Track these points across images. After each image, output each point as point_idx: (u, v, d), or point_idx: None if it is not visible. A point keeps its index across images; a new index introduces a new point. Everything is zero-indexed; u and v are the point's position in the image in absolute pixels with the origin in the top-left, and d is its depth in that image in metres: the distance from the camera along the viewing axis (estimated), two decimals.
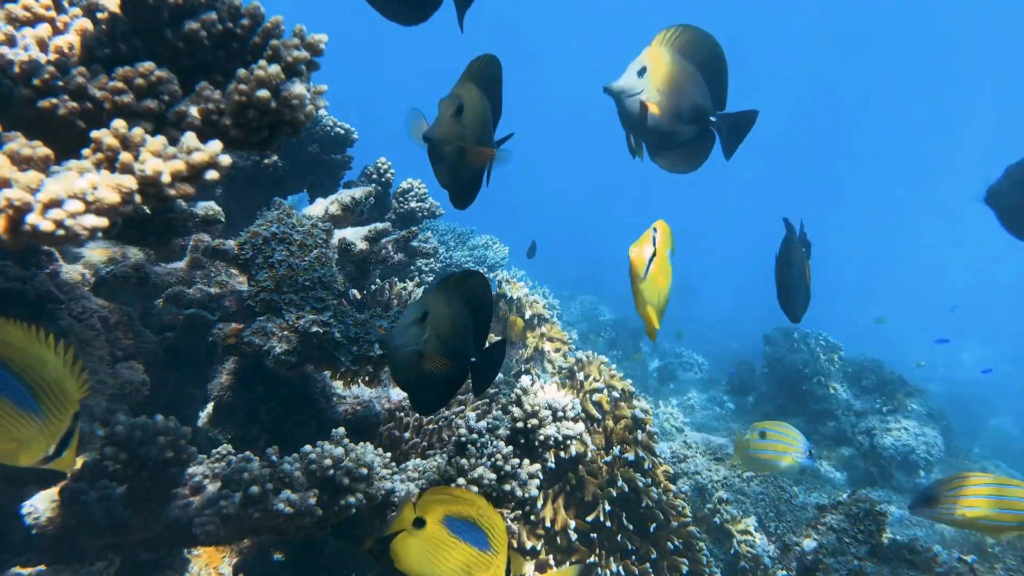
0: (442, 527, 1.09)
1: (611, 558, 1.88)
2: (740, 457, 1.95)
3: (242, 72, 0.91)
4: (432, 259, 2.85)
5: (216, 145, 0.83)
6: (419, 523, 1.10)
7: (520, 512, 1.80)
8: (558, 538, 1.87)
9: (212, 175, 0.82)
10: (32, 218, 0.67)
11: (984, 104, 21.09)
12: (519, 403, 1.80)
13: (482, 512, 1.10)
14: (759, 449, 1.89)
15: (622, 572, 1.85)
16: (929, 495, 1.31)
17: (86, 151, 0.79)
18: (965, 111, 21.90)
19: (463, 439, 1.66)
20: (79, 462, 1.25)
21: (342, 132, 2.61)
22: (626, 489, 1.94)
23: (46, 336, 0.77)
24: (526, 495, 1.57)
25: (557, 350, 2.96)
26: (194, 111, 0.91)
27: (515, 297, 2.97)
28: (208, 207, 1.90)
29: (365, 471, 1.32)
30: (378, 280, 2.43)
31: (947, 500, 1.29)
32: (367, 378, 1.65)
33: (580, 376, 2.26)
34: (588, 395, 2.19)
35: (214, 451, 1.43)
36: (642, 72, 1.23)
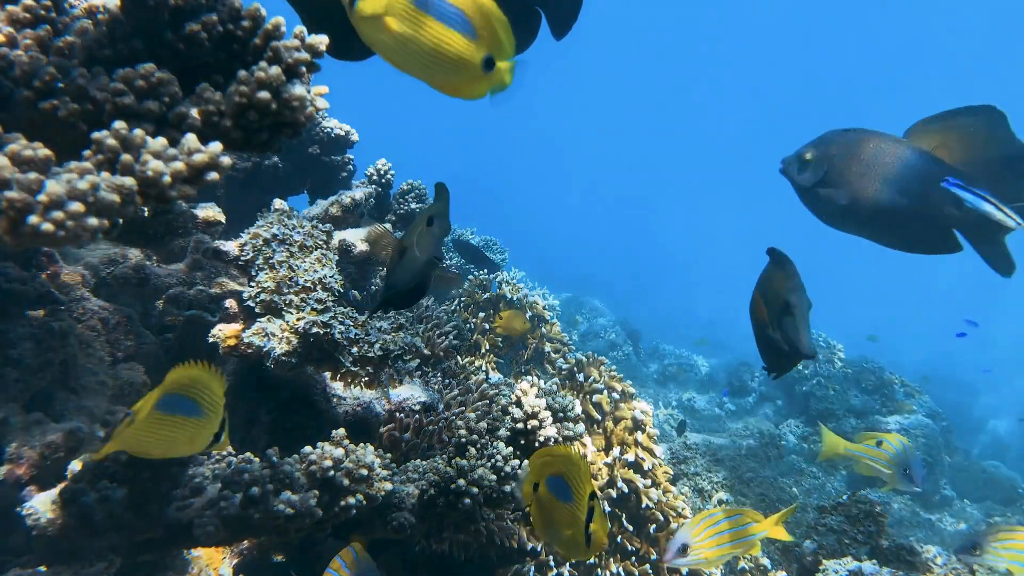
0: (546, 489, 1.13)
1: (611, 559, 1.88)
2: (861, 466, 1.91)
3: (242, 74, 0.91)
4: None
5: (217, 146, 0.83)
6: (536, 488, 1.16)
7: (520, 513, 1.80)
8: None
9: (213, 176, 0.82)
10: (33, 219, 0.67)
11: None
12: (519, 404, 1.80)
13: (568, 465, 1.12)
14: (876, 457, 1.91)
15: (622, 573, 1.85)
16: (684, 545, 1.41)
17: (87, 152, 0.79)
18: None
19: (463, 440, 1.66)
20: (79, 464, 1.26)
21: (342, 133, 2.61)
22: (626, 490, 1.94)
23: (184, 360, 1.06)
24: None
25: (557, 351, 2.96)
26: (195, 113, 0.91)
27: (515, 298, 2.97)
28: (208, 208, 1.90)
29: (365, 472, 1.32)
30: (378, 281, 2.43)
31: (696, 546, 1.40)
32: (367, 379, 1.65)
33: (580, 377, 2.26)
34: (588, 396, 2.19)
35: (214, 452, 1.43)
36: None
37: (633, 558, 1.92)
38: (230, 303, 1.71)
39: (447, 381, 2.06)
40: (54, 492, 1.22)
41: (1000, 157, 1.44)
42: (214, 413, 1.06)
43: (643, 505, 1.96)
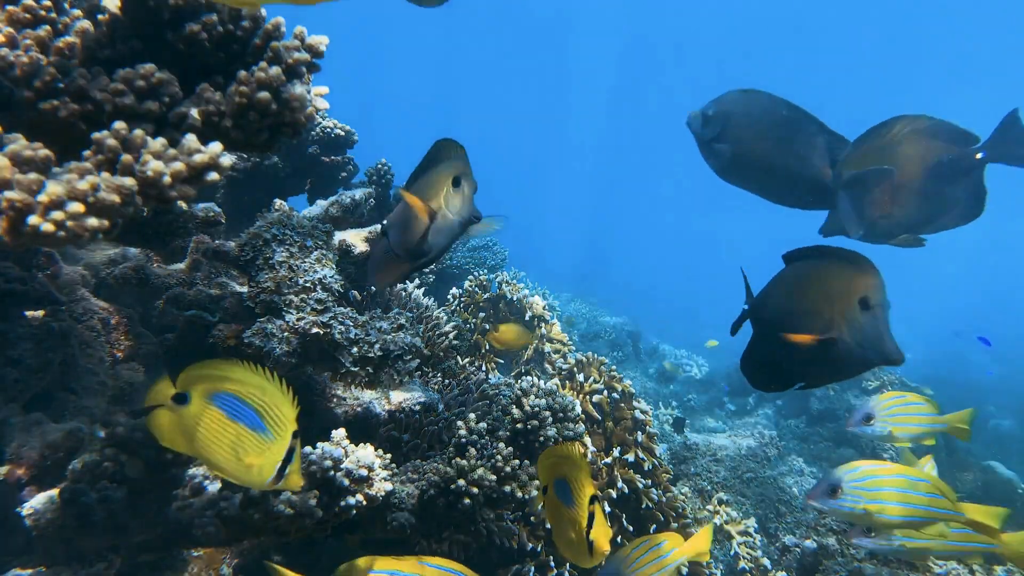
0: (553, 493, 1.09)
1: None
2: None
3: (243, 74, 0.91)
4: None
5: (217, 147, 0.83)
6: (545, 491, 1.13)
7: (521, 513, 1.80)
8: None
9: (213, 176, 0.82)
10: (33, 219, 0.67)
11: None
12: (519, 404, 1.80)
13: (570, 467, 1.08)
14: None
15: None
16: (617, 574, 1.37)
17: (87, 152, 0.79)
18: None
19: (463, 440, 1.66)
20: (80, 463, 1.26)
21: (342, 134, 2.61)
22: (626, 491, 1.94)
23: (261, 368, 0.91)
24: (526, 496, 1.57)
25: (557, 351, 2.96)
26: (195, 113, 0.91)
27: (515, 298, 2.97)
28: (208, 208, 1.90)
29: (365, 472, 1.32)
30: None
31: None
32: (367, 380, 1.65)
33: (580, 377, 2.26)
34: (588, 396, 2.19)
35: None
36: None
37: None
38: (230, 303, 1.71)
39: (447, 381, 2.06)
40: (54, 492, 1.22)
41: (926, 168, 1.47)
42: (281, 436, 0.89)
43: (643, 506, 1.96)
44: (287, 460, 0.89)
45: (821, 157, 1.54)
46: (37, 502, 1.21)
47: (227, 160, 0.84)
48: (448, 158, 1.14)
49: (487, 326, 2.82)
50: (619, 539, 1.91)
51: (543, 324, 3.00)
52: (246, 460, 0.87)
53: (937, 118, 1.45)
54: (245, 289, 1.71)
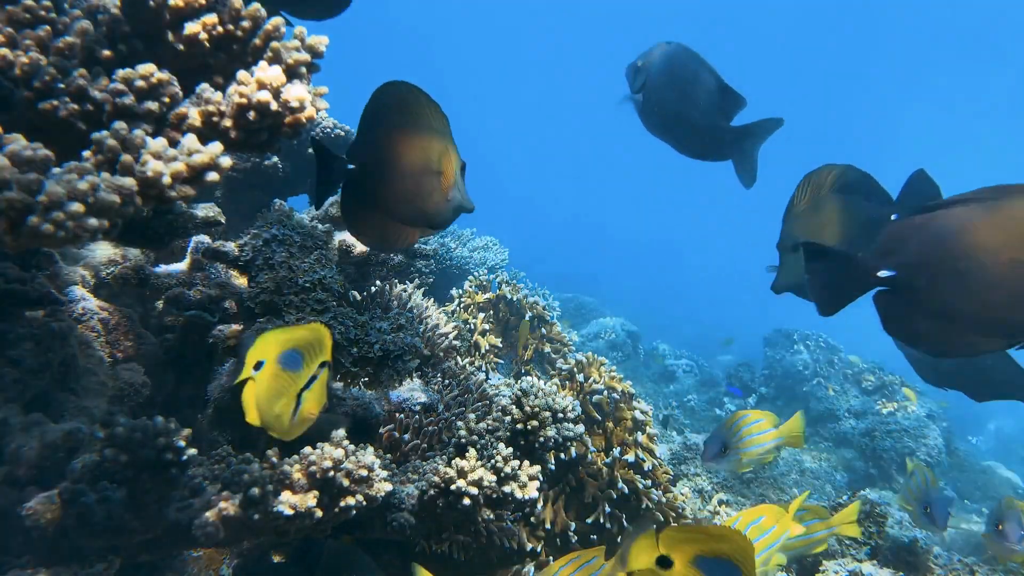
0: (695, 570, 0.96)
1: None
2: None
3: (242, 74, 0.91)
4: (432, 261, 2.85)
5: (216, 147, 0.83)
6: (664, 562, 0.97)
7: (520, 514, 1.80)
8: (558, 540, 1.87)
9: (212, 176, 0.82)
10: (33, 220, 0.67)
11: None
12: (519, 404, 1.80)
13: (737, 549, 0.94)
14: (906, 492, 1.94)
15: None
16: None
17: (87, 153, 0.79)
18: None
19: (463, 441, 1.66)
20: (79, 463, 1.25)
21: (342, 134, 2.61)
22: (626, 491, 1.94)
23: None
24: (526, 497, 1.57)
25: (557, 352, 2.96)
26: (195, 113, 0.91)
27: (515, 299, 2.97)
28: (208, 209, 1.90)
29: (365, 473, 1.32)
30: (378, 282, 2.43)
31: None
32: (367, 380, 1.65)
33: (580, 378, 2.26)
34: (588, 397, 2.19)
35: (214, 453, 1.42)
36: None
37: None
38: (230, 304, 1.71)
39: (447, 382, 2.06)
40: (54, 492, 1.21)
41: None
42: (307, 368, 0.90)
43: (643, 506, 1.95)
44: (306, 388, 0.89)
45: (719, 111, 1.63)
46: (37, 502, 1.21)
47: (227, 160, 0.84)
48: (445, 131, 1.07)
49: (487, 327, 2.82)
50: (620, 539, 1.91)
51: (543, 325, 3.00)
52: (279, 404, 0.88)
53: (853, 171, 1.42)
54: (245, 289, 1.71)
